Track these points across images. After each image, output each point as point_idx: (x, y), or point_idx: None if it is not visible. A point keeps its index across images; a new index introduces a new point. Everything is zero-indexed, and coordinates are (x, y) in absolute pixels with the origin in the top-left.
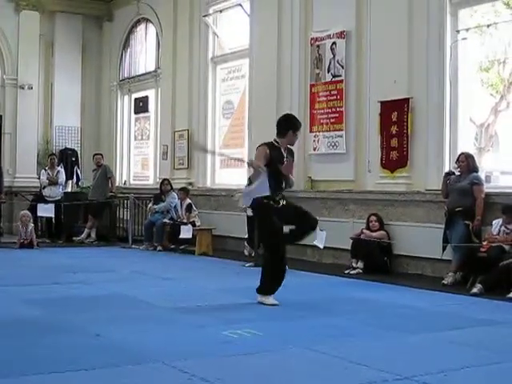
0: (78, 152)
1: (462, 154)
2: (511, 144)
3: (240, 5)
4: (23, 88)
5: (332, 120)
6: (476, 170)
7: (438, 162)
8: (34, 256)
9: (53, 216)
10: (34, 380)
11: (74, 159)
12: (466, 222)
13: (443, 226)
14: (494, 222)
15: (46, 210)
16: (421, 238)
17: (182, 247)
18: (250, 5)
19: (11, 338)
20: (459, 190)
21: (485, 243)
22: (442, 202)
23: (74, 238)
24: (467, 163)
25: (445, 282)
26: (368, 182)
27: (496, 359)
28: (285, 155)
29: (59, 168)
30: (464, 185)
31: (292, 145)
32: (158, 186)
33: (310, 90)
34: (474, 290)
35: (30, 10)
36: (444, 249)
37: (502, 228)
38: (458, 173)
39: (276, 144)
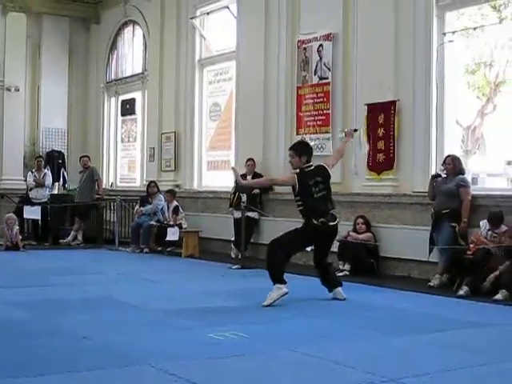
0: (65, 154)
1: (449, 156)
2: (497, 146)
3: (227, 7)
4: (10, 90)
5: (319, 122)
6: (462, 172)
7: (425, 164)
8: (19, 258)
9: (39, 218)
10: (18, 382)
11: (60, 161)
12: (453, 224)
13: (430, 228)
14: (481, 222)
15: (32, 213)
16: (408, 240)
17: (168, 249)
18: (237, 7)
19: None
20: (446, 193)
21: (472, 246)
22: (428, 204)
23: (61, 241)
24: (454, 165)
25: (431, 284)
26: (355, 184)
27: (482, 361)
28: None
29: (46, 170)
30: (451, 187)
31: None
32: (145, 188)
33: (297, 93)
34: (461, 293)
35: (16, 12)
36: (430, 251)
37: (490, 232)
38: (444, 175)
39: None
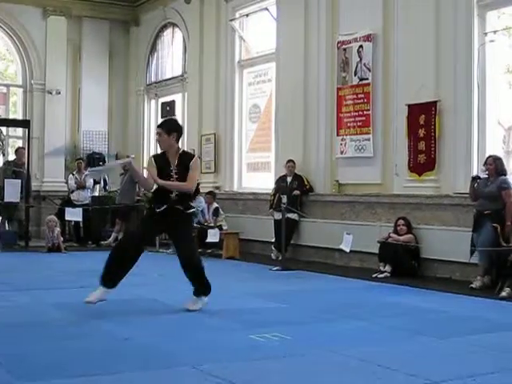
0: (106, 156)
1: (490, 156)
2: None
3: (266, 9)
4: (51, 93)
5: (359, 123)
6: (504, 173)
7: (466, 165)
8: (61, 260)
9: (81, 220)
10: (62, 383)
11: (101, 163)
12: (494, 225)
13: (472, 230)
14: None
15: (73, 214)
16: (449, 242)
17: (209, 251)
18: (277, 9)
19: (40, 341)
20: (487, 195)
21: None
22: (470, 205)
23: (102, 242)
24: (495, 166)
25: (473, 285)
26: (395, 185)
27: None
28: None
29: (87, 172)
30: (492, 190)
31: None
32: None
33: (337, 94)
34: (503, 294)
35: (57, 16)
36: (472, 252)
37: None
38: (485, 175)
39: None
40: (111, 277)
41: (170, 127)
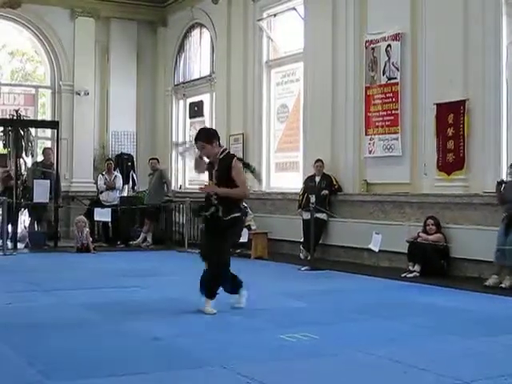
0: (134, 157)
1: None
2: None
3: (294, 8)
4: (79, 94)
5: (387, 123)
6: None
7: (495, 164)
8: (90, 260)
9: (109, 220)
10: (91, 383)
11: (129, 164)
12: None
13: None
14: None
15: (102, 215)
16: (479, 241)
17: (237, 251)
18: (304, 8)
19: (69, 341)
20: None
21: None
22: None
23: (131, 242)
24: None
25: (503, 285)
26: (424, 184)
27: None
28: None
29: (116, 173)
30: None
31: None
32: None
33: (366, 93)
34: None
35: (85, 17)
36: (502, 253)
37: None
38: (510, 179)
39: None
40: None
41: (209, 136)
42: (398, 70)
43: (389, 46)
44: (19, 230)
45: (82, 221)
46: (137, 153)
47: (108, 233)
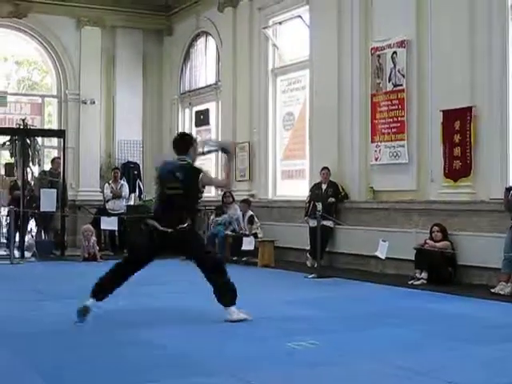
0: (140, 165)
1: None
2: None
3: (299, 16)
4: (85, 103)
5: (394, 130)
6: None
7: (502, 171)
8: (97, 269)
9: (116, 229)
10: None
11: (136, 172)
12: None
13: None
14: None
15: (109, 223)
16: (486, 248)
17: (244, 259)
18: (310, 16)
19: (76, 350)
20: None
21: None
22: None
23: None
24: None
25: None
26: (431, 191)
27: None
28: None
29: (122, 181)
30: None
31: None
32: (220, 198)
33: (371, 100)
34: None
35: (91, 26)
36: (509, 261)
37: None
38: None
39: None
40: None
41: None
42: (403, 76)
43: (394, 52)
44: (26, 239)
45: (88, 230)
46: (143, 161)
47: (115, 241)
